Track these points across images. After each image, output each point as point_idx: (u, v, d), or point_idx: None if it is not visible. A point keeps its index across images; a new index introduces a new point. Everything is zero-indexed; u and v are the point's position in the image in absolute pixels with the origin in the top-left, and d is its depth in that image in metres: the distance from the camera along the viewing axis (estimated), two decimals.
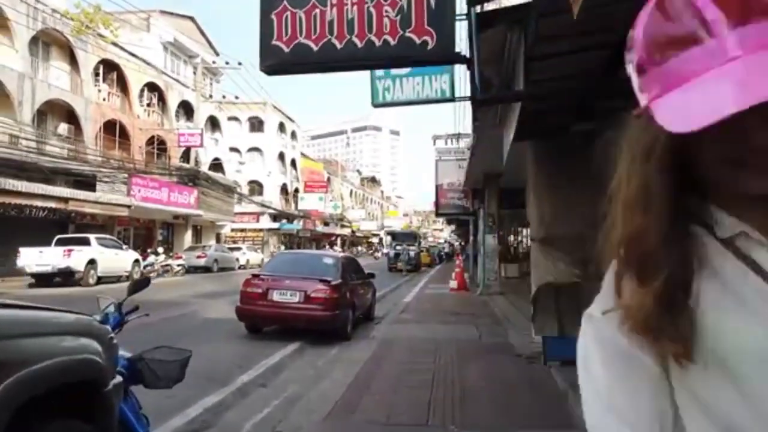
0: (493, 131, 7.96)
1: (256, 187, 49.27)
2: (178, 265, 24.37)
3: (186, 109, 33.00)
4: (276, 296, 7.85)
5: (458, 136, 17.55)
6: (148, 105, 29.49)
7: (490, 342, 7.77)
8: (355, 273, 9.58)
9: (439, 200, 18.37)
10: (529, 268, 19.17)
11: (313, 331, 8.05)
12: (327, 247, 55.19)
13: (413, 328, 9.06)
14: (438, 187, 18.20)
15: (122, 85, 27.72)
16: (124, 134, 26.97)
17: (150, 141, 28.98)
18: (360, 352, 7.06)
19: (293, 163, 55.22)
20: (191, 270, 25.84)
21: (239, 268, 29.91)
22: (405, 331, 8.79)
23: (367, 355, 6.77)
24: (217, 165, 38.23)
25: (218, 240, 41.08)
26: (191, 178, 29.80)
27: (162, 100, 31.11)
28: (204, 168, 34.91)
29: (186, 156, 32.26)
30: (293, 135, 55.75)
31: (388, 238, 33.65)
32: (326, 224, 62.31)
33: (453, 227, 62.06)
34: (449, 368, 6.14)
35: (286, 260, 9.62)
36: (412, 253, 29.14)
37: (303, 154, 58.73)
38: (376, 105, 6.77)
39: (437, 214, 19.03)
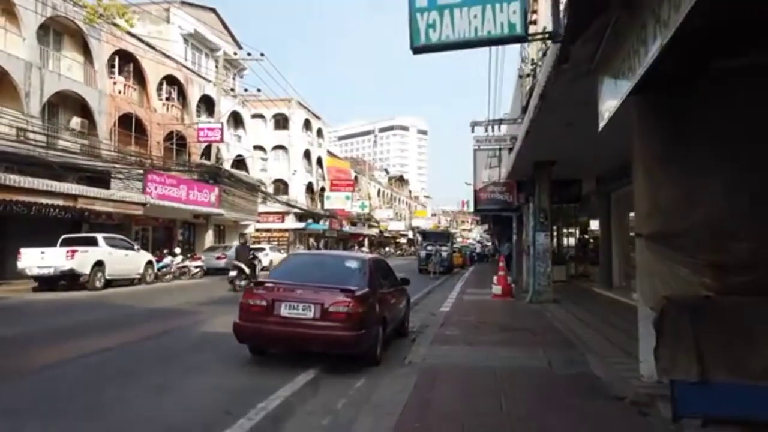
0: (571, 89, 5.96)
1: (281, 186, 47.98)
2: (196, 267, 22.94)
3: (207, 105, 31.69)
4: (284, 310, 6.03)
5: (500, 122, 15.54)
6: (167, 99, 28.22)
7: (568, 374, 5.81)
8: (386, 279, 7.70)
9: (477, 195, 16.39)
10: (579, 270, 16.95)
11: (333, 354, 6.22)
12: (355, 248, 53.58)
13: (460, 350, 7.13)
14: (475, 180, 16.23)
15: (139, 77, 26.49)
16: (141, 129, 25.74)
17: (169, 137, 27.71)
18: (395, 389, 5.20)
19: (319, 161, 53.77)
20: (211, 272, 24.43)
21: (262, 269, 28.39)
22: (450, 354, 6.87)
23: (405, 396, 4.90)
24: (240, 162, 36.89)
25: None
26: (212, 176, 28.41)
27: (182, 94, 29.85)
28: (226, 165, 33.58)
29: (207, 153, 30.97)
30: (319, 132, 54.28)
31: (419, 237, 31.56)
32: (353, 224, 60.77)
33: (486, 227, 59.71)
34: (526, 423, 4.22)
35: (300, 263, 7.66)
36: (444, 254, 27.14)
37: (329, 152, 57.28)
38: (416, 49, 4.86)
39: (476, 210, 16.96)
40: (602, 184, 14.66)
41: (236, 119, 37.40)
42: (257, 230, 46.32)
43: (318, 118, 53.83)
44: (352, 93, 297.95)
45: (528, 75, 11.49)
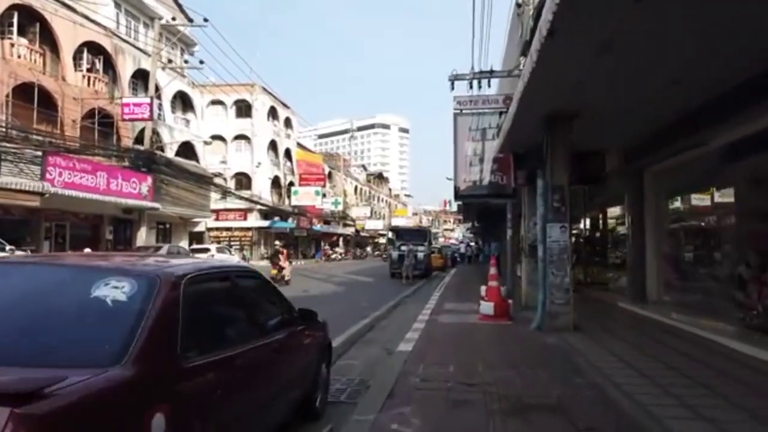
0: None
1: (243, 179, 43.38)
2: None
3: (146, 82, 26.96)
4: None
5: (490, 75, 11.33)
6: (89, 70, 23.53)
7: None
8: (263, 319, 3.44)
9: (458, 178, 12.16)
10: (590, 275, 12.67)
11: None
12: (327, 248, 49.09)
13: None
14: (456, 157, 11.98)
15: (51, 42, 21.84)
16: (51, 104, 21.08)
17: (90, 115, 23.02)
18: None
19: (288, 154, 49.26)
20: None
21: None
22: None
23: None
24: (189, 151, 32.22)
25: (199, 241, 35.19)
26: (145, 163, 23.80)
27: (111, 66, 25.17)
28: (170, 153, 28.94)
29: (157, 138, 26.33)
30: (288, 122, 49.77)
31: (391, 236, 27.20)
32: (327, 223, 56.31)
33: (468, 225, 55.69)
34: None
35: None
36: (420, 255, 22.86)
37: (300, 144, 52.77)
38: None
39: (457, 198, 12.60)
40: (632, 157, 10.53)
41: (185, 101, 32.76)
42: (214, 229, 41.73)
43: (286, 106, 49.29)
44: (335, 92, 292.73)
45: None
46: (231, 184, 41.92)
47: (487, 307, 9.17)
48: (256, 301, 3.69)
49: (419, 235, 25.44)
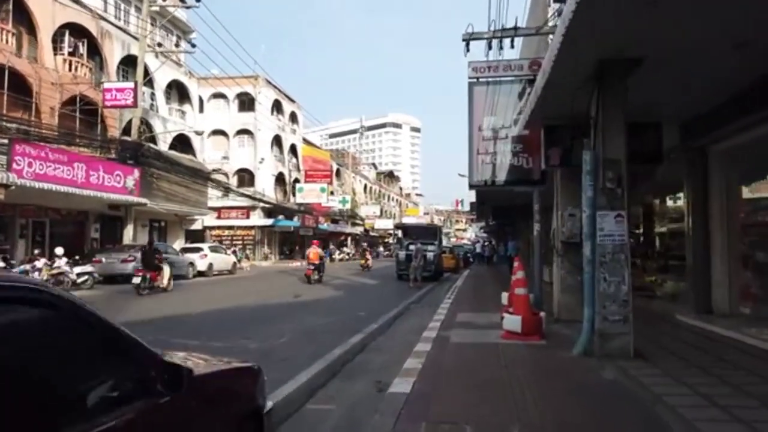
0: None
1: (246, 176, 41.52)
2: (84, 274, 16.42)
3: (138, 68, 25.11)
4: None
5: (514, 34, 9.21)
6: (71, 54, 21.72)
7: None
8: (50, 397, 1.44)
9: (472, 162, 10.03)
10: (648, 279, 10.34)
11: None
12: (333, 247, 47.13)
13: None
14: (471, 134, 9.84)
15: (28, 22, 20.08)
16: (26, 89, 19.30)
17: (71, 102, 21.21)
18: None
19: (293, 150, 47.35)
20: (119, 279, 18.03)
21: (196, 275, 22.00)
22: None
23: None
24: (185, 144, 30.39)
25: (200, 240, 33.36)
26: (132, 155, 21.95)
27: (97, 51, 23.38)
28: (163, 146, 27.11)
29: (147, 129, 24.50)
30: (293, 117, 47.87)
31: (398, 234, 25.02)
32: (334, 221, 54.34)
33: (481, 224, 53.38)
34: None
35: None
36: (430, 255, 20.67)
37: (306, 140, 50.83)
38: None
39: (471, 187, 10.42)
40: (693, 132, 8.36)
41: (181, 92, 30.92)
42: (216, 228, 39.94)
43: (292, 101, 47.39)
44: (346, 92, 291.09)
45: None
46: (233, 181, 40.12)
47: (512, 321, 7.05)
48: (36, 357, 1.62)
49: (429, 233, 23.23)
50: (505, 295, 9.29)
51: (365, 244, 33.84)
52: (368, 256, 29.58)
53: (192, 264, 21.65)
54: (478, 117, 9.83)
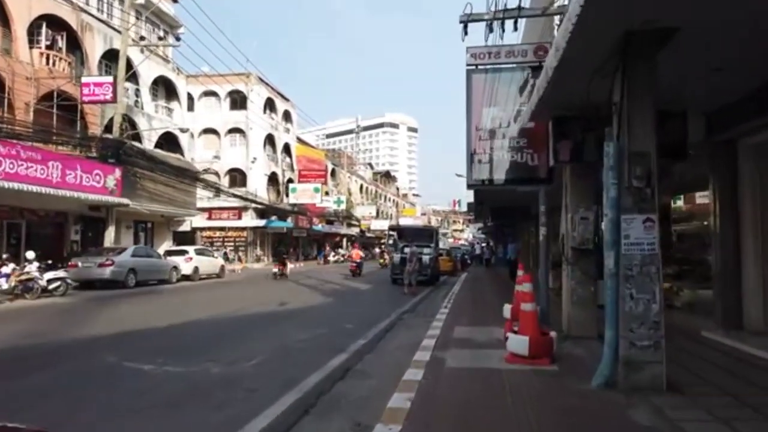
0: None
1: (237, 176, 40.49)
2: (56, 280, 15.36)
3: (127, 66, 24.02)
4: None
5: (517, 14, 8.21)
6: (49, 48, 20.68)
7: None
8: None
9: (470, 159, 9.02)
10: (667, 287, 9.29)
11: None
12: (328, 249, 46.07)
13: None
14: (469, 127, 8.84)
15: (1, 12, 19.04)
16: None
17: (49, 98, 20.16)
18: None
19: (287, 149, 46.33)
20: (99, 286, 17.04)
21: (180, 279, 20.96)
22: None
23: None
24: (173, 143, 29.32)
25: (189, 242, 32.25)
26: (113, 153, 20.90)
27: (77, 45, 22.33)
28: (148, 145, 26.06)
29: (129, 126, 23.41)
30: (287, 116, 46.86)
31: (393, 235, 23.98)
32: (329, 222, 53.35)
33: (479, 225, 52.41)
34: None
35: None
36: (426, 258, 19.67)
37: (300, 140, 49.81)
38: None
39: (470, 186, 9.39)
40: (720, 124, 7.38)
41: (168, 89, 29.85)
42: (207, 229, 38.94)
43: (286, 99, 46.38)
44: (343, 92, 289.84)
45: None
46: (224, 181, 39.09)
47: (518, 343, 6.05)
48: None
49: (424, 234, 22.19)
50: (507, 308, 8.32)
51: (353, 247, 32.03)
52: (357, 259, 25.73)
53: (176, 268, 20.59)
54: (477, 108, 8.84)
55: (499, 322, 8.80)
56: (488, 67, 8.78)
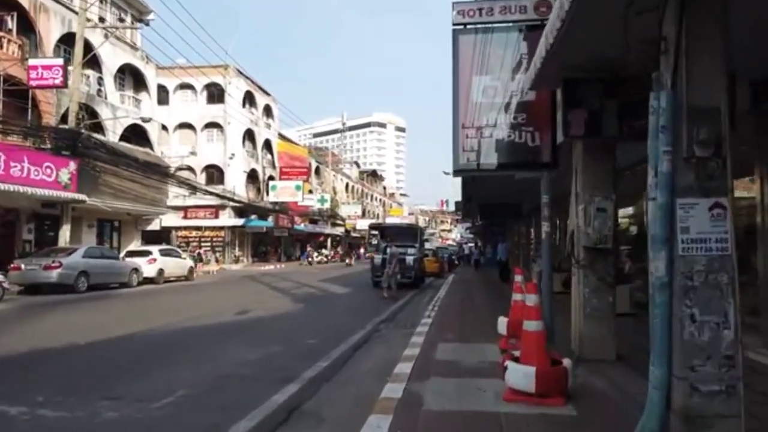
0: None
1: (215, 173, 38.68)
2: None
3: (86, 52, 21.96)
4: None
5: None
6: None
7: None
8: None
9: (458, 137, 7.39)
10: None
11: None
12: (311, 249, 44.33)
13: None
14: (456, 102, 7.24)
15: None
16: None
17: None
18: None
19: (268, 145, 44.53)
20: (47, 290, 15.25)
21: (142, 282, 19.17)
22: None
23: None
24: (141, 136, 27.44)
25: (167, 242, 30.35)
26: (69, 145, 19.08)
27: (30, 27, 20.45)
28: (113, 137, 24.21)
29: (87, 116, 21.53)
30: (268, 111, 45.11)
31: (374, 234, 22.25)
32: (314, 222, 51.62)
33: (467, 225, 50.98)
34: None
35: None
36: (409, 259, 18.08)
37: (282, 136, 48.02)
38: None
39: (457, 172, 7.74)
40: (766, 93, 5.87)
41: (137, 78, 27.96)
42: (182, 228, 37.11)
43: (266, 93, 44.60)
44: (330, 92, 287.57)
45: None
46: (200, 178, 37.24)
47: (521, 375, 4.46)
48: None
49: (408, 233, 20.55)
50: (502, 321, 6.74)
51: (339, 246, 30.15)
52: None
53: (136, 270, 18.78)
54: (465, 77, 7.24)
55: (492, 336, 7.25)
56: (479, 27, 7.19)
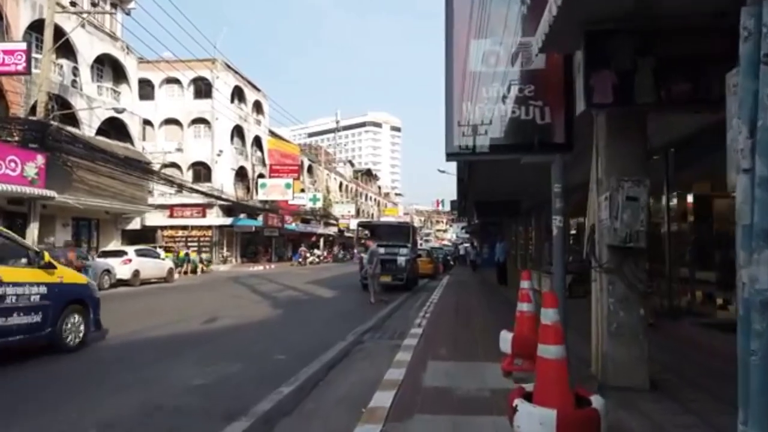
0: None
1: (202, 170, 37.36)
2: None
3: (59, 38, 20.55)
4: None
5: None
6: None
7: None
8: None
9: (452, 116, 6.21)
10: (686, 299, 6.77)
11: None
12: (303, 249, 43.04)
13: None
14: (450, 72, 6.04)
15: None
16: None
17: None
18: None
19: (258, 142, 43.23)
20: None
21: (115, 284, 17.89)
22: None
23: None
24: (120, 131, 26.12)
25: (144, 240, 29.01)
26: (38, 137, 17.77)
27: None
28: (89, 131, 22.90)
29: (56, 107, 20.23)
30: (258, 107, 43.82)
31: (363, 233, 20.89)
32: (306, 221, 50.34)
33: (463, 224, 49.79)
34: None
35: None
36: (401, 260, 16.85)
37: (273, 133, 46.71)
38: None
39: (450, 157, 6.48)
40: None
41: (117, 70, 26.63)
42: (168, 228, 35.80)
43: (257, 89, 43.28)
44: (326, 92, 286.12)
45: None
46: (187, 175, 35.94)
47: (536, 422, 3.24)
48: None
49: (400, 232, 19.26)
50: (506, 337, 5.51)
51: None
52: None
53: (108, 272, 17.49)
54: (461, 42, 6.03)
55: (492, 352, 6.06)
56: None
